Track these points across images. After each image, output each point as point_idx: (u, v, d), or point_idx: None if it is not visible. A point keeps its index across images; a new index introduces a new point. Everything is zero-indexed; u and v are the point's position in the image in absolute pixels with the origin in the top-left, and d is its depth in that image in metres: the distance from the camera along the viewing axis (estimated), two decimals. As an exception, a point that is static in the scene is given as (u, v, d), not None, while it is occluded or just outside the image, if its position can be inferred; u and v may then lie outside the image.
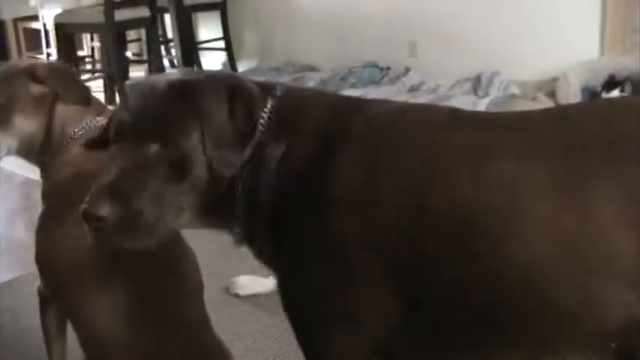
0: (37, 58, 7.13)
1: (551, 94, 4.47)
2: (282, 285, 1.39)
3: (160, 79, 1.40)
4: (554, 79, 4.51)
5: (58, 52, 5.80)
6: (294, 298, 1.37)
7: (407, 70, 5.28)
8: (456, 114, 1.36)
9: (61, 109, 1.83)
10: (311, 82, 5.28)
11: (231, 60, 6.45)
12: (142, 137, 1.32)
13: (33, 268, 2.86)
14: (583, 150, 1.18)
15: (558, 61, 4.52)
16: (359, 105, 1.41)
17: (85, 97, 1.85)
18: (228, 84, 1.37)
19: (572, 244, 1.14)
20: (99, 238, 1.31)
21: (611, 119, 1.22)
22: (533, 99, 4.48)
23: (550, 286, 1.17)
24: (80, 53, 6.92)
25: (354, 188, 1.27)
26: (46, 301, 1.96)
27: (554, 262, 1.16)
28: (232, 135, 1.33)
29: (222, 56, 6.56)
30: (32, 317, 2.47)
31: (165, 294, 1.63)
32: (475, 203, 1.19)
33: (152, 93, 1.36)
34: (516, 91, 4.64)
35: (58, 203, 1.74)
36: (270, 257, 1.41)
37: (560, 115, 1.31)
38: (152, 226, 1.31)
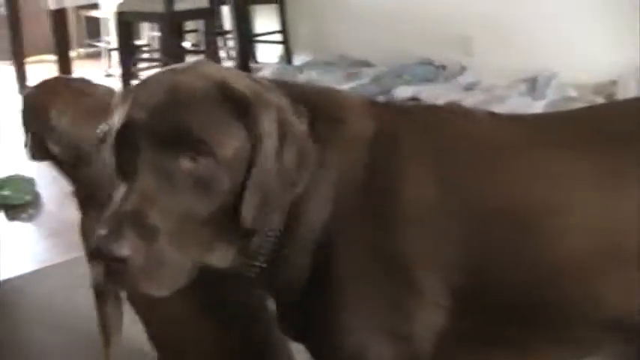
0: (97, 46, 7.26)
1: (609, 98, 4.40)
2: (322, 316, 1.25)
3: (183, 77, 1.14)
4: (613, 82, 4.44)
5: (118, 40, 5.90)
6: (340, 322, 1.23)
7: (462, 68, 5.24)
8: (497, 116, 1.37)
9: None
10: (365, 77, 5.28)
11: (287, 53, 6.48)
12: (168, 143, 1.08)
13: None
14: (620, 146, 1.21)
15: (617, 63, 4.44)
16: (395, 108, 1.35)
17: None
18: (279, 109, 1.15)
19: (619, 237, 1.17)
20: (117, 283, 1.07)
21: None
22: (591, 102, 4.42)
23: (601, 280, 1.18)
24: (138, 42, 7.02)
25: (425, 203, 1.20)
26: (102, 294, 1.98)
27: (604, 255, 1.17)
28: (278, 185, 1.13)
29: (277, 49, 6.59)
30: (87, 296, 2.54)
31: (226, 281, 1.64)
32: (536, 202, 1.20)
33: (186, 92, 1.11)
34: (573, 93, 4.57)
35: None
36: (300, 291, 1.25)
37: (605, 110, 1.35)
38: (181, 266, 1.10)
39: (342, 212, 1.20)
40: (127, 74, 5.59)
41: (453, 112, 1.39)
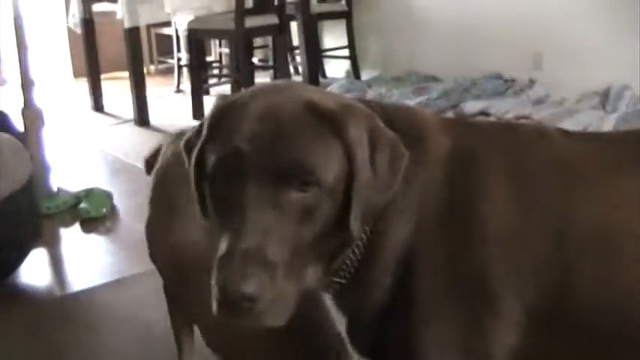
0: (168, 62, 7.41)
1: (684, 111, 4.32)
2: (400, 336, 1.24)
3: (279, 100, 1.14)
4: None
5: (189, 57, 6.01)
6: (419, 342, 1.23)
7: (531, 82, 5.19)
8: (571, 135, 1.35)
9: None
10: (434, 92, 5.26)
11: (355, 68, 6.51)
12: (278, 176, 1.08)
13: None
14: None
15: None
16: (471, 125, 1.34)
17: None
18: (367, 117, 1.17)
19: None
20: (242, 320, 1.08)
21: None
22: (664, 115, 4.33)
23: None
24: (208, 59, 7.14)
25: (504, 222, 1.20)
26: (173, 298, 2.02)
27: None
28: (376, 191, 1.14)
29: (345, 64, 6.63)
30: (160, 309, 2.60)
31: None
32: (615, 222, 1.20)
33: (287, 119, 1.11)
34: (646, 106, 4.50)
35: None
36: (378, 310, 1.25)
37: None
38: (296, 294, 1.11)
39: (424, 230, 1.20)
40: (198, 90, 5.69)
41: (529, 130, 1.36)
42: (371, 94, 5.43)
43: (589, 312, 1.20)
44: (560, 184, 1.23)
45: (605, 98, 4.70)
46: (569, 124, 4.11)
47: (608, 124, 4.24)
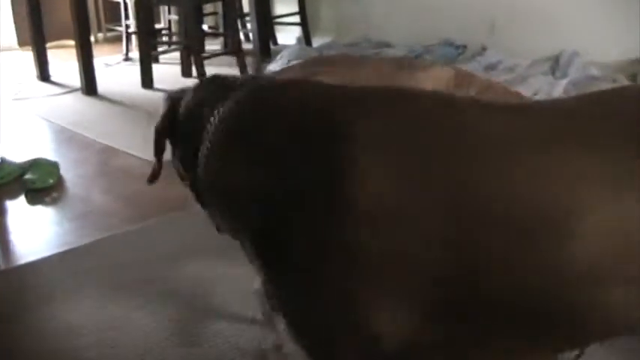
0: (116, 30, 7.26)
1: (633, 76, 4.36)
2: (283, 296, 1.28)
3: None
4: (637, 61, 4.39)
5: (137, 24, 5.89)
6: (301, 310, 1.25)
7: (484, 48, 5.20)
8: (485, 103, 1.25)
9: None
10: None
11: (307, 35, 6.45)
12: None
13: (109, 232, 2.97)
14: (633, 142, 1.09)
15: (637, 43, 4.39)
16: (357, 92, 1.28)
17: None
18: None
19: (634, 242, 1.07)
20: None
21: None
22: (614, 81, 4.37)
23: (610, 287, 1.09)
24: (157, 26, 7.02)
25: (384, 200, 1.13)
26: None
27: (616, 262, 1.08)
28: None
29: (297, 31, 6.57)
30: (113, 278, 2.56)
31: None
32: (535, 203, 1.09)
33: None
34: (596, 72, 4.53)
35: None
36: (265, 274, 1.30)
37: (604, 103, 1.20)
38: None
39: (280, 204, 1.21)
40: (147, 58, 5.59)
41: (433, 99, 1.27)
42: (323, 61, 5.37)
43: (503, 293, 1.12)
44: (462, 158, 1.14)
45: (555, 64, 4.72)
46: (521, 90, 4.12)
47: (557, 89, 4.26)
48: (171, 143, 1.54)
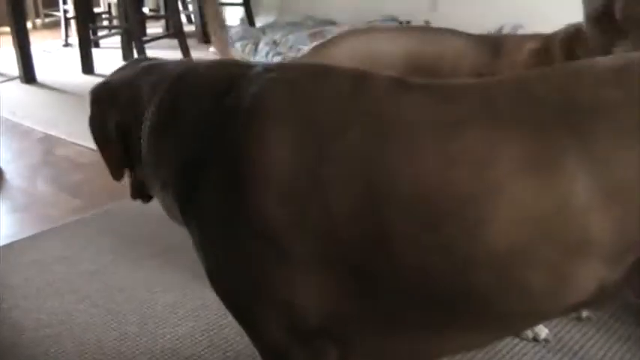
0: (55, 15, 7.11)
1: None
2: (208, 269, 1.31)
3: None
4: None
5: (75, 8, 5.76)
6: (222, 283, 1.29)
7: (427, 23, 5.20)
8: (401, 82, 1.23)
9: None
10: (330, 36, 5.18)
11: (249, 15, 6.39)
12: None
13: (53, 223, 2.91)
14: (550, 125, 1.09)
15: (580, 15, 4.42)
16: (268, 71, 1.29)
17: None
18: None
19: (548, 225, 1.07)
20: None
21: (569, 87, 1.13)
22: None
23: (524, 270, 1.10)
24: (97, 10, 6.88)
25: (289, 178, 1.15)
26: None
27: (529, 245, 1.08)
28: None
29: (240, 11, 6.50)
30: (56, 271, 2.50)
31: None
32: (443, 185, 1.09)
33: None
34: (538, 44, 4.57)
35: None
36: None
37: (522, 85, 1.18)
38: None
39: (198, 180, 1.24)
40: (86, 43, 5.48)
41: (345, 77, 1.26)
42: (266, 41, 5.34)
43: (417, 275, 1.13)
44: (372, 139, 1.14)
45: (498, 37, 4.75)
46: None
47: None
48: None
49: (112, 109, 1.45)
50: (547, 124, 1.10)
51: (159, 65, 1.47)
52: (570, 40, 2.00)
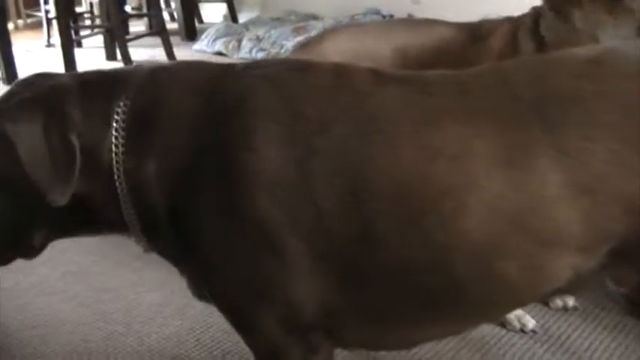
0: (37, 15, 7.07)
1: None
2: (202, 274, 1.29)
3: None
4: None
5: (57, 8, 5.72)
6: (218, 284, 1.27)
7: (410, 16, 5.20)
8: (380, 75, 1.25)
9: None
10: (313, 31, 5.19)
11: (232, 11, 6.37)
12: None
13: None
14: (524, 117, 1.11)
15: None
16: (239, 69, 1.28)
17: None
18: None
19: (521, 217, 1.09)
20: None
21: (543, 79, 1.15)
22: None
23: (500, 261, 1.12)
24: (79, 9, 6.84)
25: (278, 173, 1.15)
26: None
27: (504, 236, 1.10)
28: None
29: (222, 8, 6.48)
30: (41, 273, 2.49)
31: None
32: (421, 178, 1.11)
33: None
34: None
35: None
36: (177, 254, 1.30)
37: (498, 77, 1.19)
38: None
39: (187, 182, 1.21)
40: (68, 43, 5.44)
41: (324, 71, 1.27)
42: (249, 37, 5.33)
43: (400, 267, 1.15)
44: (353, 134, 1.15)
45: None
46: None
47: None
48: None
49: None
50: (521, 116, 1.11)
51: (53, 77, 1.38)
52: (535, 21, 2.09)
